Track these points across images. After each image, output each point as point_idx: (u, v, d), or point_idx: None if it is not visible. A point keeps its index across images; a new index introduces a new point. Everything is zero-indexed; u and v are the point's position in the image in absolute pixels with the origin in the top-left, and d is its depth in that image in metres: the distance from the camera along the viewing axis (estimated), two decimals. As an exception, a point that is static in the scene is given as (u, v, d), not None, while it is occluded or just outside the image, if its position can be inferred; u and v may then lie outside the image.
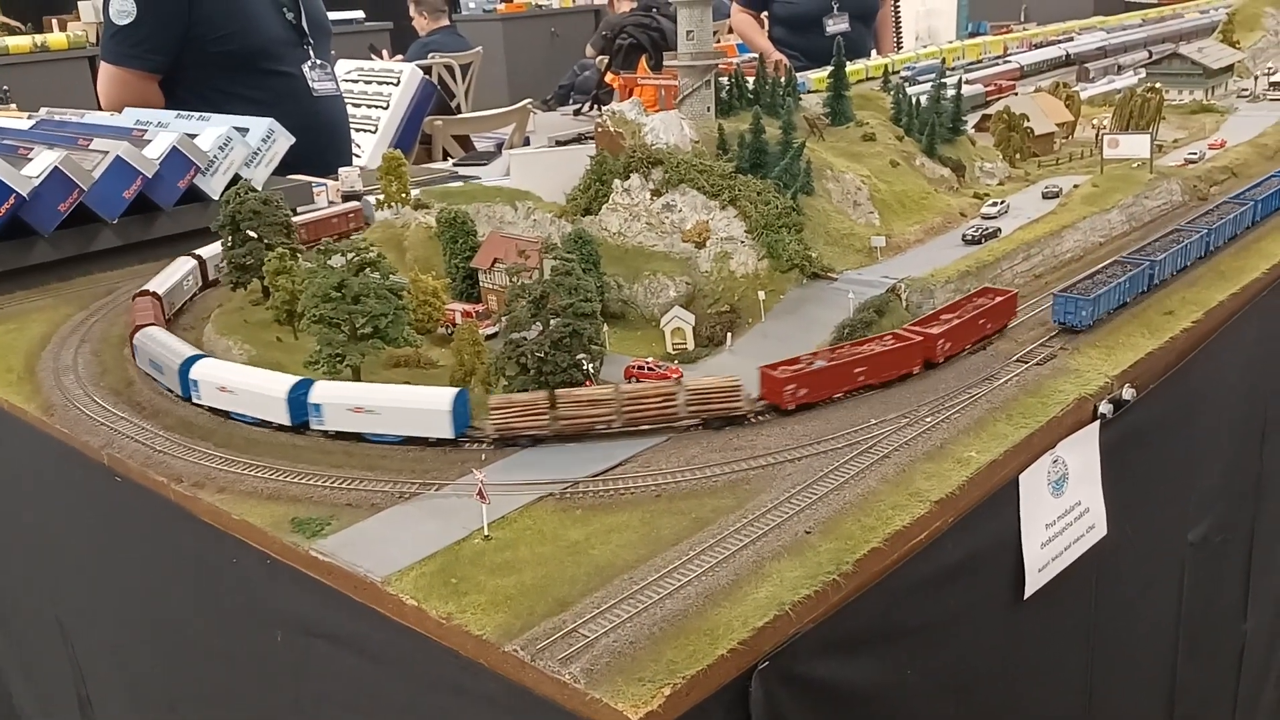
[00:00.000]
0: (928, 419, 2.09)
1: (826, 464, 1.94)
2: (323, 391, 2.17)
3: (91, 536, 2.49)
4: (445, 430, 2.09)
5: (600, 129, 3.03)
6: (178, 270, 3.01)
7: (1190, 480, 2.80)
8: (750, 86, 3.29)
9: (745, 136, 2.89)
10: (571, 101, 10.18)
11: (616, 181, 2.90)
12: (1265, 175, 3.59)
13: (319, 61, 5.38)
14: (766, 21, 9.10)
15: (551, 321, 2.19)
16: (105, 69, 5.06)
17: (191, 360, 2.33)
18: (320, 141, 5.11)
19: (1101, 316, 2.51)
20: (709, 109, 3.10)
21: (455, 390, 2.13)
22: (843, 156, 3.10)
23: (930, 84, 5.32)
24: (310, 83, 5.30)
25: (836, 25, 8.64)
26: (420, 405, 2.11)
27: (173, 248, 3.40)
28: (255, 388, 2.24)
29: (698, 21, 3.01)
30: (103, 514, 2.39)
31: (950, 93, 3.61)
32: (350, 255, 2.36)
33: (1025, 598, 2.08)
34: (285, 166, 4.10)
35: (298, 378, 2.22)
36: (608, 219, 2.90)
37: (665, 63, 3.16)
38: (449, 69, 10.80)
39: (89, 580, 2.59)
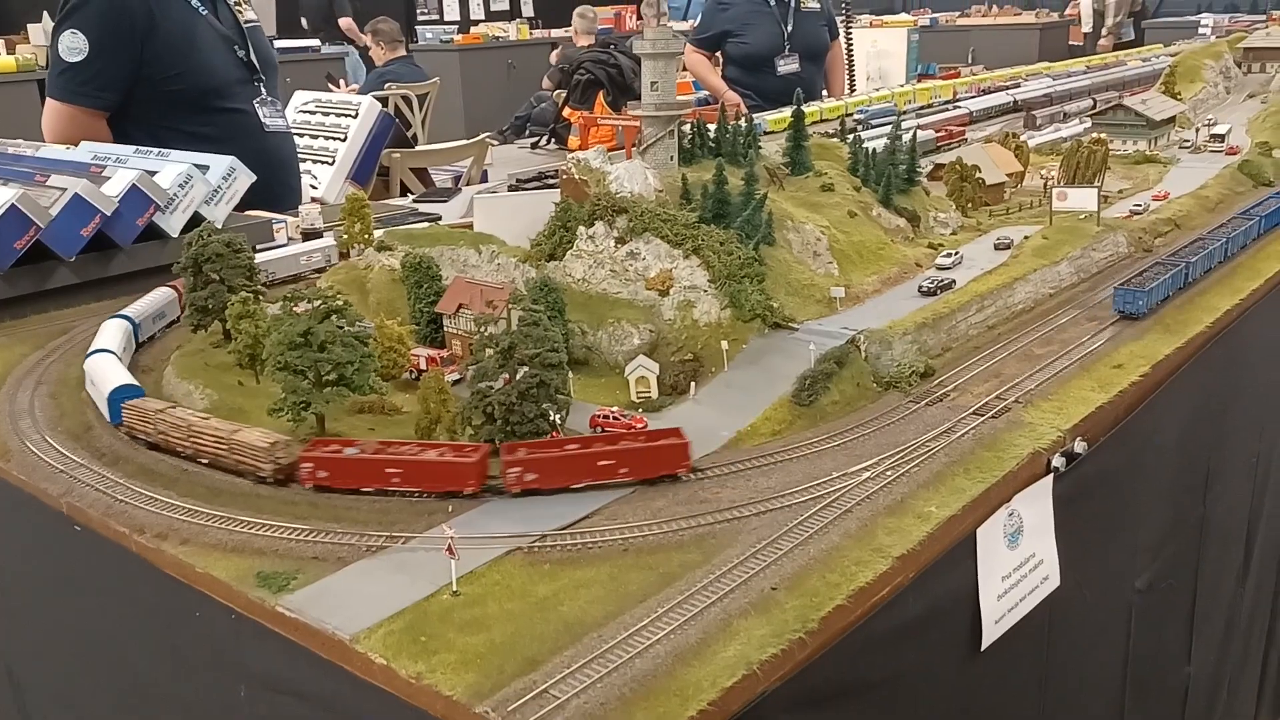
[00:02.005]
0: (888, 473, 2.14)
1: (790, 518, 1.97)
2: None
3: (47, 584, 2.45)
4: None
5: (565, 176, 3.06)
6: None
7: (1137, 528, 2.88)
8: (712, 135, 3.34)
9: (708, 187, 2.94)
10: (528, 133, 10.24)
11: (581, 228, 2.93)
12: (1211, 226, 3.74)
13: (269, 98, 5.39)
14: (720, 60, 9.21)
15: (518, 372, 2.22)
16: (52, 105, 5.00)
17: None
18: (272, 177, 5.10)
19: (1154, 305, 2.96)
20: (672, 158, 3.15)
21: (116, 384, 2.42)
22: (802, 207, 3.16)
23: (884, 128, 5.46)
24: (261, 119, 5.31)
25: (787, 65, 8.77)
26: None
27: (130, 285, 3.37)
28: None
29: (661, 73, 3.07)
30: (59, 562, 2.35)
31: (905, 142, 3.69)
32: (316, 302, 2.36)
33: (982, 649, 2.13)
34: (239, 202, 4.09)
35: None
36: (572, 265, 2.93)
37: (630, 112, 3.20)
38: (406, 99, 10.83)
39: (43, 629, 2.54)
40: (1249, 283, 3.34)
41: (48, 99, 5.05)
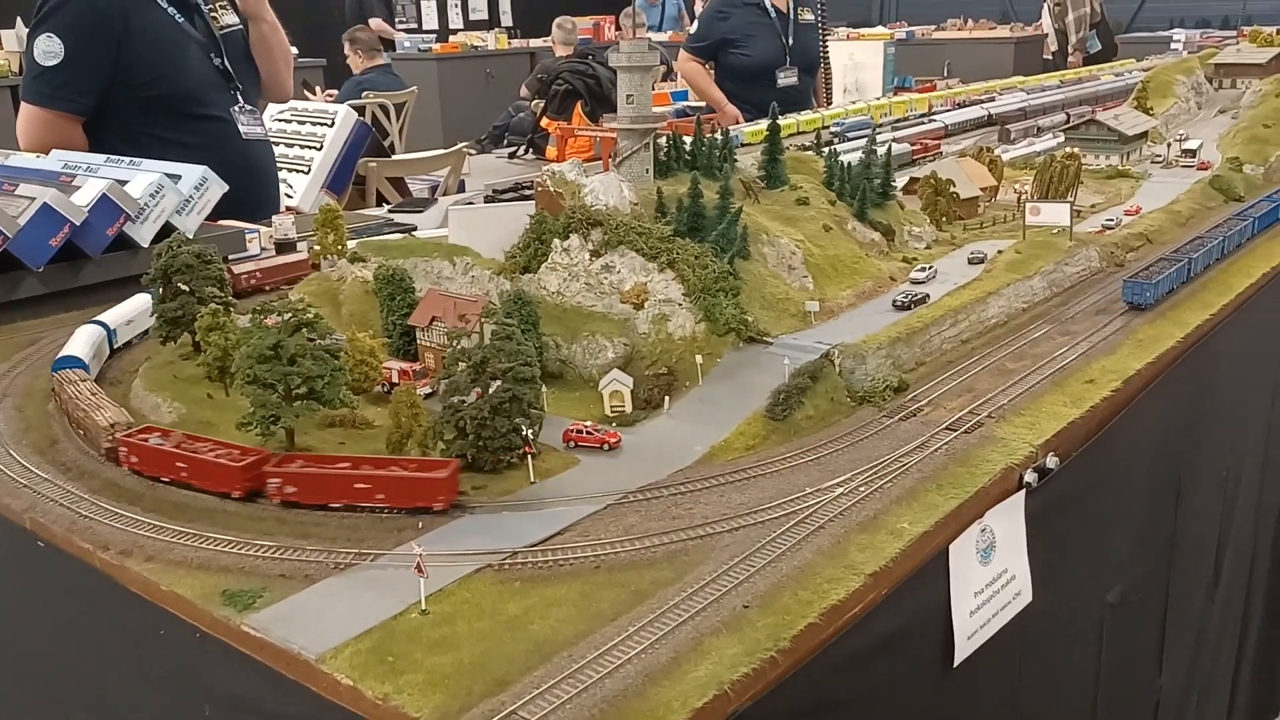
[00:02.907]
0: (861, 489, 2.13)
1: (763, 534, 1.96)
2: None
3: (9, 601, 2.41)
4: None
5: (540, 188, 3.05)
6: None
7: (1108, 543, 2.89)
8: (688, 148, 3.34)
9: (683, 200, 2.93)
10: (505, 143, 10.22)
11: (556, 241, 2.92)
12: (1180, 241, 3.78)
13: (247, 106, 5.36)
14: (712, 71, 9.14)
15: (491, 386, 2.20)
16: (27, 109, 4.97)
17: None
18: (249, 185, 5.09)
19: (1161, 296, 3.17)
20: (648, 170, 3.14)
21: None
22: (777, 220, 3.16)
23: (860, 141, 5.48)
24: (239, 126, 5.28)
25: (787, 78, 8.74)
26: None
27: (99, 296, 3.34)
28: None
29: (637, 85, 3.06)
30: (22, 578, 2.32)
31: (880, 156, 3.70)
32: (286, 315, 2.34)
33: (955, 665, 2.13)
34: (214, 211, 4.05)
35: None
36: (546, 278, 2.92)
37: (605, 124, 3.19)
38: (383, 108, 10.79)
39: (4, 645, 2.50)
40: (1242, 280, 3.52)
41: (22, 103, 5.02)
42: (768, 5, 8.64)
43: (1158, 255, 3.54)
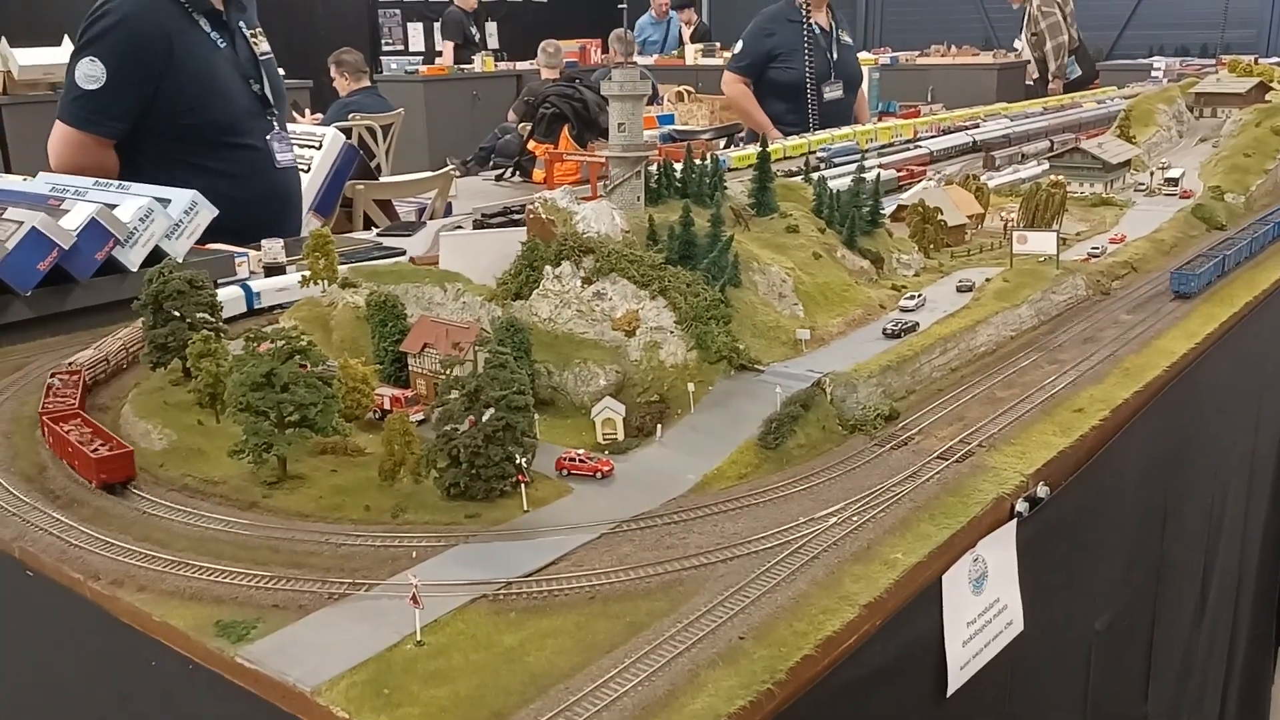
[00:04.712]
0: (854, 518, 2.14)
1: (758, 564, 1.97)
2: None
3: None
4: None
5: (532, 215, 3.06)
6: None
7: (1096, 570, 2.91)
8: (678, 175, 3.36)
9: (675, 228, 2.95)
10: (491, 165, 10.23)
11: (548, 268, 2.93)
12: (1162, 270, 3.83)
13: (281, 133, 5.44)
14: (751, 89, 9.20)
15: (485, 414, 2.20)
16: (62, 129, 5.02)
17: None
18: (279, 213, 5.20)
19: (1204, 286, 3.69)
20: (639, 198, 3.16)
21: None
22: (768, 248, 3.18)
23: (846, 167, 5.52)
24: (274, 154, 5.34)
25: (833, 92, 8.89)
26: None
27: (87, 320, 3.33)
28: None
29: (629, 114, 3.08)
30: (8, 608, 2.29)
31: (869, 184, 3.73)
32: (280, 342, 2.34)
33: (948, 696, 2.13)
34: (240, 238, 4.14)
35: None
36: (538, 305, 2.92)
37: (594, 149, 3.21)
38: (370, 130, 10.80)
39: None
40: (1225, 310, 3.59)
41: (58, 123, 5.06)
42: (812, 22, 8.81)
43: (1196, 252, 4.04)
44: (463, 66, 17.51)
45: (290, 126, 7.48)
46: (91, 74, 4.87)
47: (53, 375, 2.75)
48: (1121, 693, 3.29)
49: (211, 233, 3.97)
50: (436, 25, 21.01)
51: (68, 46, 11.81)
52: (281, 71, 5.80)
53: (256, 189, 4.42)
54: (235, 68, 5.23)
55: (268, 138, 5.34)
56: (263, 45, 5.48)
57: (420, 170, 8.71)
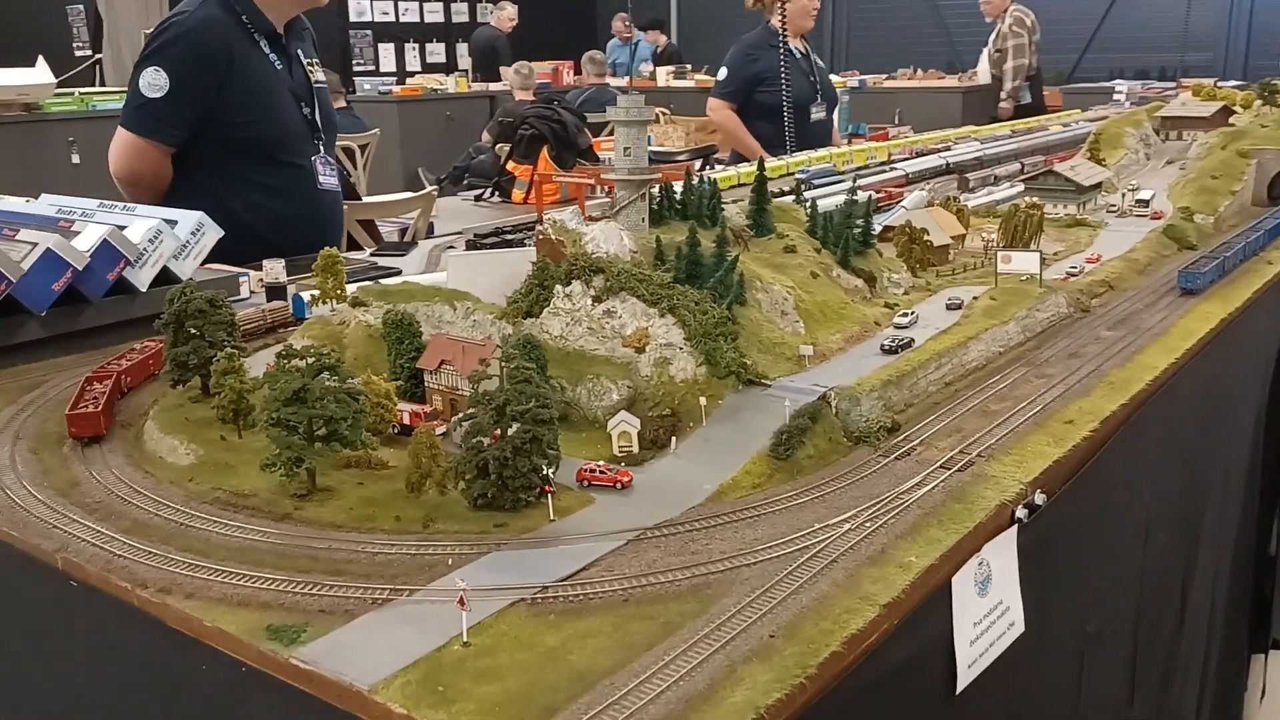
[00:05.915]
0: (867, 524, 2.25)
1: (780, 568, 2.07)
2: None
3: (39, 641, 2.43)
4: None
5: (542, 236, 3.16)
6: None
7: (1087, 575, 3.03)
8: (678, 197, 3.46)
9: (682, 249, 3.05)
10: (465, 184, 10.30)
11: (558, 287, 3.02)
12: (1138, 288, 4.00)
13: (328, 156, 5.68)
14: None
15: (512, 427, 2.29)
16: (124, 135, 5.24)
17: None
18: (320, 234, 5.42)
19: (1208, 283, 4.04)
20: (643, 220, 3.26)
21: None
22: (768, 268, 3.29)
23: (824, 189, 5.65)
24: (318, 176, 5.58)
25: (818, 113, 9.28)
26: None
27: (99, 339, 3.38)
28: None
29: (634, 139, 3.19)
30: (52, 618, 2.35)
31: (861, 205, 3.86)
32: (310, 358, 2.42)
33: (957, 693, 2.24)
34: (282, 253, 4.27)
35: None
36: (549, 322, 3.01)
37: (603, 175, 3.32)
38: (347, 151, 10.86)
39: (33, 685, 2.52)
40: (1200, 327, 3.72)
41: (120, 129, 5.27)
42: (792, 47, 9.17)
43: (1201, 254, 4.43)
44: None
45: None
46: (155, 83, 5.08)
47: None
48: (1108, 696, 3.41)
49: (254, 245, 4.22)
50: (461, 47, 21.26)
51: (42, 67, 11.86)
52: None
53: (300, 207, 4.68)
54: (290, 90, 5.50)
55: (314, 159, 5.59)
56: (318, 75, 5.78)
57: (396, 190, 8.80)
